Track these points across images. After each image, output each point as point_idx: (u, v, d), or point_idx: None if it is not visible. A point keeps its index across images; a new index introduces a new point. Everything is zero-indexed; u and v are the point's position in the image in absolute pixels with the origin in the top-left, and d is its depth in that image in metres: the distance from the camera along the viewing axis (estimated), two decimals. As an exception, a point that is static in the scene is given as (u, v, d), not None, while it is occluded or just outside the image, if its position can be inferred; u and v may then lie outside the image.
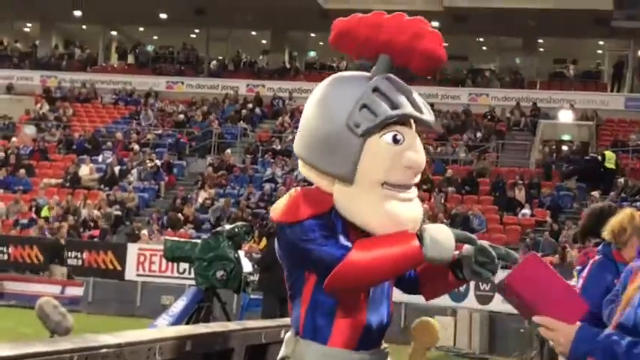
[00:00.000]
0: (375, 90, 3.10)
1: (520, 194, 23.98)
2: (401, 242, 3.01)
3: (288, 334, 3.18)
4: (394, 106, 3.09)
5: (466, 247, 3.16)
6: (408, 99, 3.12)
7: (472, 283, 17.21)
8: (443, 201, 23.22)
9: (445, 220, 21.65)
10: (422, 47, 3.12)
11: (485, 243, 3.17)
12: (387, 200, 3.08)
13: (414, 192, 3.21)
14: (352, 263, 2.96)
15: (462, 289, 17.27)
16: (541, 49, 35.50)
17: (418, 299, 3.68)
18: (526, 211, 23.46)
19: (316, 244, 2.99)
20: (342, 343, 3.08)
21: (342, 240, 3.06)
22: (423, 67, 3.18)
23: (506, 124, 29.67)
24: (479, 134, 28.48)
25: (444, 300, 16.66)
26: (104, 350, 2.23)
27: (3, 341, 1.92)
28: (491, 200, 24.15)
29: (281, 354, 3.14)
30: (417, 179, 3.20)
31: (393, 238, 3.02)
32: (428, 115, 3.18)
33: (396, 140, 3.10)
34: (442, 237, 3.01)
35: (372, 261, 2.98)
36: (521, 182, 24.29)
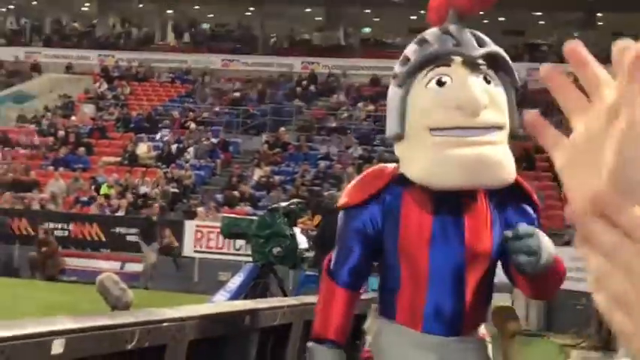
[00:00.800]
0: (422, 41, 2.99)
1: (578, 170, 23.69)
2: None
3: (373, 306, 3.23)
4: (433, 48, 2.94)
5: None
6: (455, 39, 2.93)
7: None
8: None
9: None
10: None
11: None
12: (437, 146, 2.84)
13: (485, 136, 2.84)
14: (327, 289, 3.09)
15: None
16: (600, 23, 34.87)
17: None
18: (585, 187, 23.17)
19: (345, 246, 3.10)
20: (407, 321, 2.98)
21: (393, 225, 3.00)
22: (472, 4, 3.02)
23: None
24: (538, 109, 28.13)
25: (500, 277, 16.55)
26: (166, 324, 2.27)
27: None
28: (550, 177, 23.87)
29: (365, 325, 3.24)
30: (488, 119, 2.85)
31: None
32: (471, 49, 2.90)
33: (441, 83, 2.89)
34: None
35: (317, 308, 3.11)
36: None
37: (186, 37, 38.74)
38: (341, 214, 3.10)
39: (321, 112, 29.75)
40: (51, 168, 25.91)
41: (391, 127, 2.96)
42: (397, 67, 3.00)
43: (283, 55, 34.85)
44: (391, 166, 3.09)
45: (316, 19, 38.70)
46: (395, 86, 2.97)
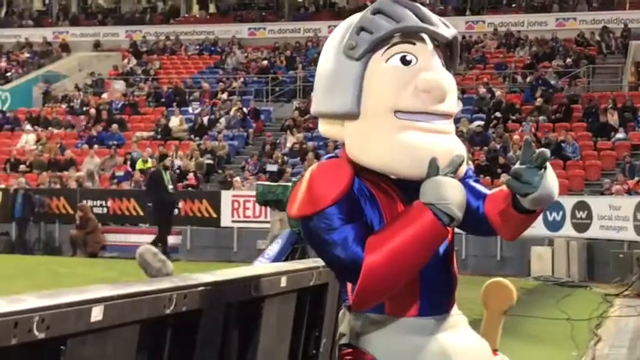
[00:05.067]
0: (376, 12, 2.69)
1: (613, 118, 23.42)
2: (412, 221, 2.54)
3: (342, 309, 2.82)
4: (397, 21, 2.67)
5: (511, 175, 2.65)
6: (416, 13, 2.70)
7: (568, 211, 16.95)
8: (534, 130, 22.84)
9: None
10: None
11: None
12: (402, 131, 2.62)
13: (445, 124, 2.71)
14: (370, 271, 2.52)
15: (557, 217, 17.04)
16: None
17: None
18: (620, 135, 22.91)
19: (335, 237, 2.55)
20: (400, 310, 2.71)
21: (371, 218, 2.65)
22: None
23: (597, 48, 28.89)
24: (568, 60, 27.82)
25: (540, 230, 16.47)
26: (202, 288, 2.29)
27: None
28: (584, 127, 23.65)
29: (339, 330, 2.80)
30: (449, 107, 2.72)
31: (403, 220, 2.57)
32: (443, 29, 2.72)
33: (405, 61, 2.67)
34: (449, 190, 2.52)
35: (391, 257, 2.53)
36: (612, 106, 23.70)
37: (212, 8, 38.71)
38: (315, 221, 2.58)
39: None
40: (85, 146, 26.13)
41: (343, 104, 2.65)
42: (349, 36, 2.68)
43: (309, 20, 34.71)
44: (332, 154, 2.77)
45: (341, -19, 38.42)
46: (348, 58, 2.66)
